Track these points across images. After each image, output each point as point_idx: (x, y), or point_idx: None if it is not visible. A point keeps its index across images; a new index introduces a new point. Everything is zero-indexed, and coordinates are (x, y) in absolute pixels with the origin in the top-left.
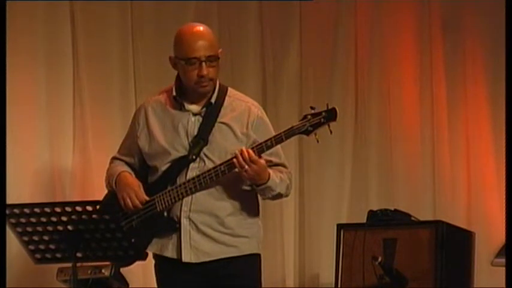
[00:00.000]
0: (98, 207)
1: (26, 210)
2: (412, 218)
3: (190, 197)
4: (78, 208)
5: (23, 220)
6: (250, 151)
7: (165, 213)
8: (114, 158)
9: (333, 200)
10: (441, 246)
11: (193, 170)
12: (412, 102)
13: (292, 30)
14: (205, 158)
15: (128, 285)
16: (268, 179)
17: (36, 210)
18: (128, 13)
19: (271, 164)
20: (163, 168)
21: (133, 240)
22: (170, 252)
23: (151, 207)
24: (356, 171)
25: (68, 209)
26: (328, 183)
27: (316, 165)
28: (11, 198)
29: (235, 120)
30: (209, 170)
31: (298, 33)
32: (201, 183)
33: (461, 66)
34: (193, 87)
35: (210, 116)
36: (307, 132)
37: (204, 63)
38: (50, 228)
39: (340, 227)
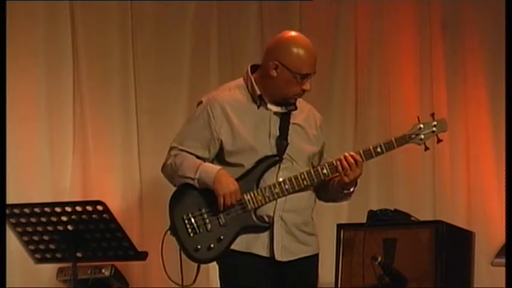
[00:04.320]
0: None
1: (26, 210)
2: (412, 218)
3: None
4: (78, 208)
5: (23, 220)
6: (356, 156)
7: (254, 212)
8: (180, 150)
9: None
10: (441, 246)
11: (283, 171)
12: (412, 102)
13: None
14: (290, 159)
15: (127, 285)
16: (356, 185)
17: (36, 210)
18: (128, 13)
19: None
20: (249, 166)
21: (221, 237)
22: (259, 250)
23: (241, 205)
24: None
25: (68, 209)
26: None
27: None
28: (11, 198)
29: (306, 121)
30: (309, 172)
31: None
32: (300, 184)
33: (461, 66)
34: (287, 96)
35: (285, 117)
36: (419, 142)
37: (308, 79)
38: (50, 228)
39: (340, 227)
